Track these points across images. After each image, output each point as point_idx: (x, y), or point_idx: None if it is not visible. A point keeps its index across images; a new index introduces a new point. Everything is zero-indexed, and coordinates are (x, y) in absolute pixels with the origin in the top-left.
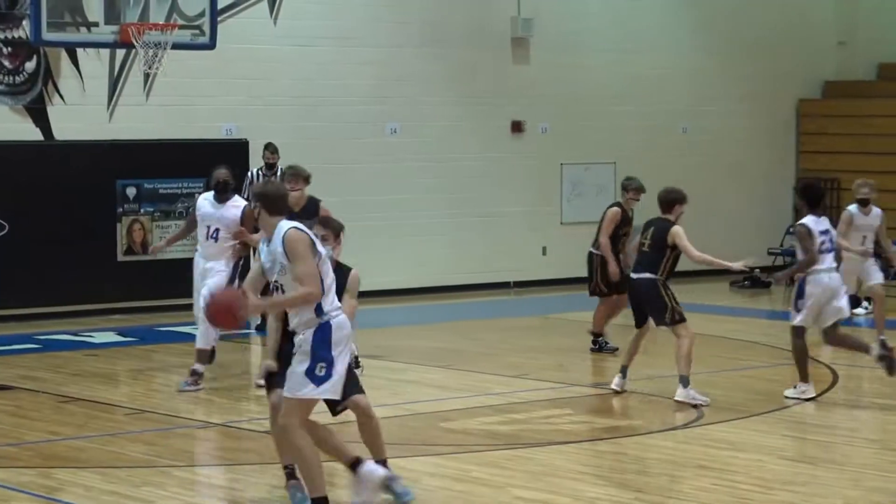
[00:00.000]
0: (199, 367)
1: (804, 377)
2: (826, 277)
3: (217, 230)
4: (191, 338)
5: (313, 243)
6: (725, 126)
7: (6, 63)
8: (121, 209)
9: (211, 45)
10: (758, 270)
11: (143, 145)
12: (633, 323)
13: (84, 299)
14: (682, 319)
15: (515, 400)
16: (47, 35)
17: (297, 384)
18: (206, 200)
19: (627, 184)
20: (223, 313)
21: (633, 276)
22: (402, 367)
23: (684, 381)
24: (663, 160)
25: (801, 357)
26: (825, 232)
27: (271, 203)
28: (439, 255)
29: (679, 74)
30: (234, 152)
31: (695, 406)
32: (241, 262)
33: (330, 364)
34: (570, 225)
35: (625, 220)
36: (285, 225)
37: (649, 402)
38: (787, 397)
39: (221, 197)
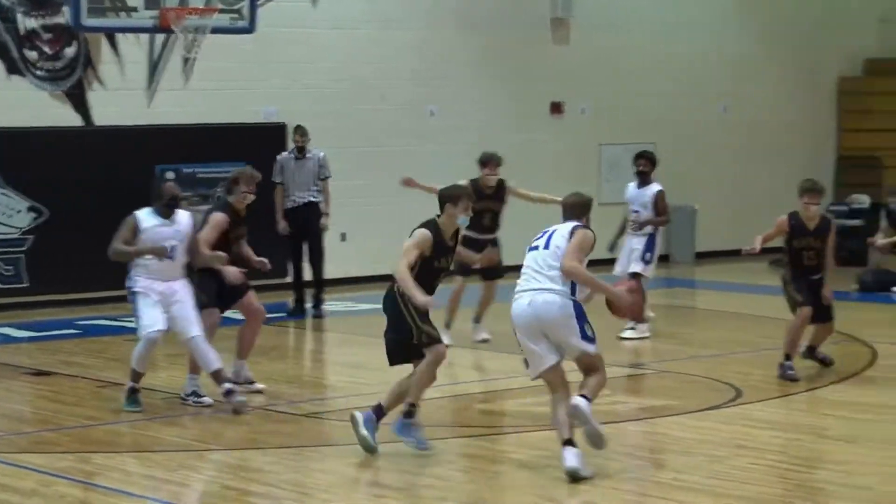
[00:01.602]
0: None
1: (644, 319)
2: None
3: (174, 247)
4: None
5: None
6: (766, 105)
7: (46, 49)
8: None
9: (250, 29)
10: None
11: (182, 130)
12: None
13: (124, 284)
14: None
15: None
16: (87, 20)
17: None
18: (148, 216)
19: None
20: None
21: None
22: None
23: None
24: (703, 140)
25: (643, 303)
26: None
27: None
28: None
29: (719, 54)
30: (273, 136)
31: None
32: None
33: None
34: (608, 206)
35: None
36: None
37: (686, 383)
38: (625, 338)
39: (167, 212)
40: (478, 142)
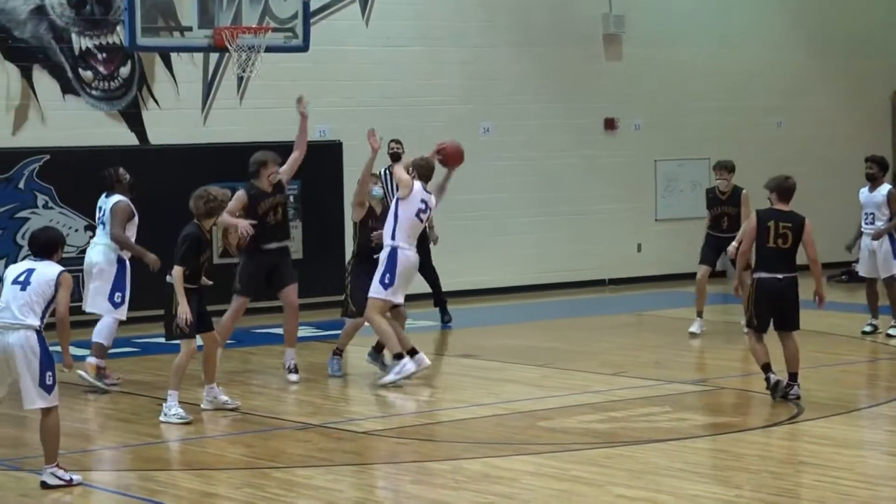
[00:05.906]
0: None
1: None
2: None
3: None
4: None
5: None
6: (820, 120)
7: (101, 69)
8: None
9: (304, 48)
10: (855, 265)
11: (237, 148)
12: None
13: None
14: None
15: (614, 398)
16: (142, 40)
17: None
18: None
19: None
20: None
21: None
22: (499, 367)
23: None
24: (758, 155)
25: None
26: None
27: None
28: (534, 253)
29: (772, 69)
30: (328, 154)
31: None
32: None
33: None
34: (665, 221)
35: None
36: None
37: (748, 399)
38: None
39: None
40: (532, 158)
